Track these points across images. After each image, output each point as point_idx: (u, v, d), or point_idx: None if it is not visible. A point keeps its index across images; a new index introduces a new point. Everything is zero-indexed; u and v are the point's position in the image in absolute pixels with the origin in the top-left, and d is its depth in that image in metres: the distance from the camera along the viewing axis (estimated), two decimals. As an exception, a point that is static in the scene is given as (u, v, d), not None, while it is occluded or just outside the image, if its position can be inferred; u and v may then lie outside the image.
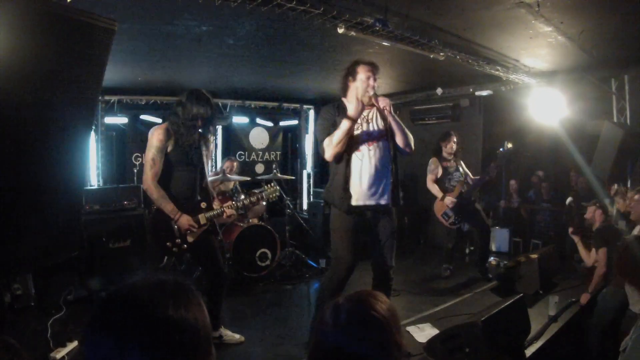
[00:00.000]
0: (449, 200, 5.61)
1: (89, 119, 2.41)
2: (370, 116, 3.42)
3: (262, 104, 8.32)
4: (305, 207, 9.01)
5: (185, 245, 3.54)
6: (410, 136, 3.47)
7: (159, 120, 6.69)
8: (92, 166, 6.66)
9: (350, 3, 3.34)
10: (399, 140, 3.40)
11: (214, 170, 7.31)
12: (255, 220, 6.19)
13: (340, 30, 3.50)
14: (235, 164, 6.42)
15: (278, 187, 4.26)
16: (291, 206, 6.95)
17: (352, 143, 3.29)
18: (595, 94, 6.12)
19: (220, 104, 7.74)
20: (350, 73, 3.41)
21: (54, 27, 1.98)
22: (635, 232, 4.14)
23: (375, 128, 3.40)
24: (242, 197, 3.96)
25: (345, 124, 3.18)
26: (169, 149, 3.45)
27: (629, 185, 5.26)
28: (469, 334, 2.75)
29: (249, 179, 6.49)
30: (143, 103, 7.01)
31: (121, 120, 6.96)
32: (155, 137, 3.42)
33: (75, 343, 3.69)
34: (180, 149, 3.49)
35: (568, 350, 3.95)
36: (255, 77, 6.41)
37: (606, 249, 4.20)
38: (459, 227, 5.81)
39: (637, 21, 3.84)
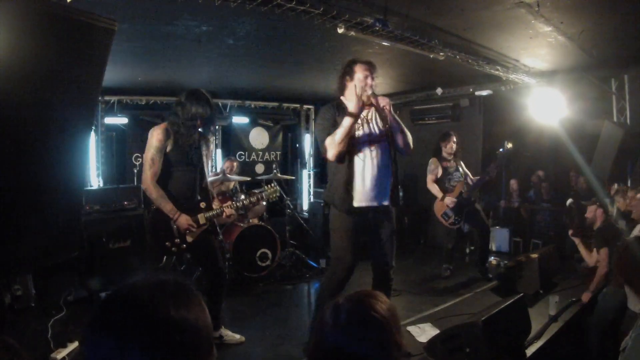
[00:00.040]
0: (449, 200, 5.61)
1: (89, 119, 2.41)
2: (369, 117, 3.40)
3: (262, 104, 8.33)
4: (305, 207, 9.01)
5: (184, 245, 3.54)
6: (410, 136, 3.47)
7: (159, 121, 6.70)
8: (92, 166, 6.67)
9: (350, 3, 3.34)
10: (398, 140, 3.40)
11: (214, 170, 7.32)
12: (256, 221, 6.19)
13: (340, 30, 3.50)
14: (235, 164, 6.42)
15: (278, 187, 4.26)
16: (291, 206, 6.95)
17: (353, 144, 3.28)
18: (595, 93, 6.12)
19: (220, 104, 7.75)
20: (348, 72, 3.38)
21: (54, 28, 1.98)
22: (635, 231, 4.14)
23: (376, 129, 3.39)
24: (242, 197, 3.96)
25: (347, 121, 3.16)
26: (168, 148, 3.45)
27: (629, 185, 5.26)
28: (469, 334, 2.75)
29: (249, 179, 6.50)
30: (143, 103, 7.01)
31: (121, 120, 6.96)
32: (154, 137, 3.42)
33: (75, 343, 3.68)
34: (180, 149, 3.49)
35: (568, 350, 3.94)
36: (255, 77, 6.41)
37: (608, 249, 4.20)
38: (459, 228, 5.81)
39: (637, 21, 3.85)
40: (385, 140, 3.39)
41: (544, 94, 5.85)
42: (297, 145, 9.24)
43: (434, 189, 5.76)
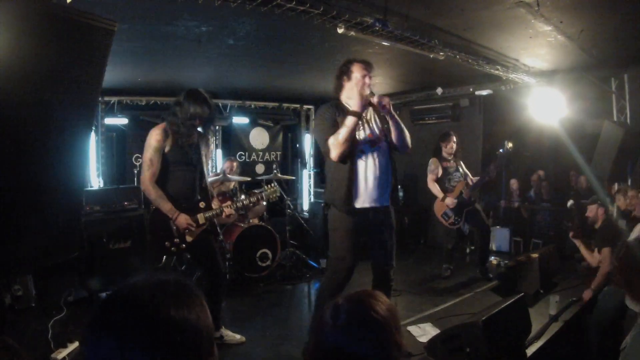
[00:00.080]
0: (450, 201, 5.62)
1: (89, 119, 2.41)
2: (368, 117, 3.39)
3: (262, 104, 8.33)
4: (305, 207, 9.02)
5: (183, 245, 3.54)
6: (408, 134, 3.45)
7: (159, 121, 6.69)
8: (92, 167, 6.67)
9: (350, 3, 3.34)
10: (398, 139, 3.38)
11: (214, 171, 7.32)
12: (256, 221, 6.19)
13: (340, 30, 3.50)
14: (235, 164, 6.42)
15: (278, 187, 4.26)
16: (291, 206, 6.95)
17: (353, 144, 3.25)
18: (595, 93, 6.12)
19: (220, 105, 7.75)
20: (345, 72, 3.35)
21: (54, 28, 1.98)
22: (635, 231, 4.14)
23: (375, 129, 3.38)
24: (242, 197, 3.96)
25: (350, 120, 3.13)
26: (167, 149, 3.45)
27: (629, 184, 5.26)
28: (470, 334, 2.75)
29: (249, 179, 6.50)
30: (143, 104, 7.02)
31: (121, 121, 6.96)
32: (152, 138, 3.42)
33: (75, 344, 3.69)
34: (179, 149, 3.49)
35: (569, 349, 3.94)
36: (255, 77, 6.42)
37: (609, 248, 4.21)
38: (459, 228, 5.81)
39: (637, 21, 3.85)
40: (384, 140, 3.38)
41: (544, 93, 5.85)
42: (297, 145, 9.24)
43: (435, 188, 5.76)
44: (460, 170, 5.86)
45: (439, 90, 7.18)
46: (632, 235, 4.13)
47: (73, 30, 2.04)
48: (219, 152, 8.12)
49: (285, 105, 8.58)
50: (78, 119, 2.28)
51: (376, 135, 3.35)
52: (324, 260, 6.25)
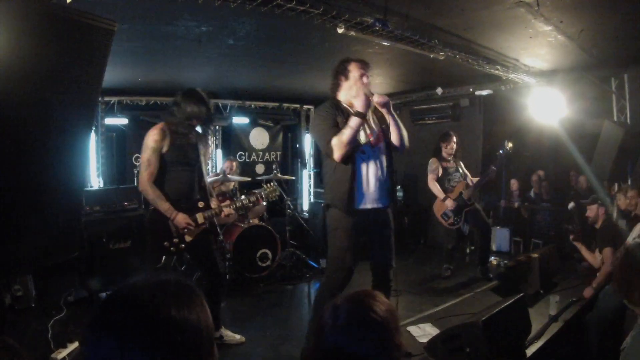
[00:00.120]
0: (450, 203, 5.62)
1: (89, 119, 2.41)
2: (367, 117, 3.34)
3: (262, 104, 8.33)
4: (305, 207, 9.02)
5: (182, 245, 3.53)
6: (406, 133, 3.45)
7: (159, 121, 6.69)
8: (92, 167, 6.67)
9: (350, 3, 3.34)
10: (397, 138, 3.37)
11: (214, 171, 7.32)
12: (256, 221, 6.19)
13: (340, 30, 3.50)
14: (234, 163, 6.42)
15: (278, 187, 4.25)
16: (291, 206, 6.95)
17: (355, 145, 3.22)
18: (595, 93, 6.12)
19: (220, 105, 7.76)
20: (342, 71, 3.32)
21: (54, 28, 1.98)
22: (635, 230, 4.14)
23: (375, 129, 3.36)
24: (242, 197, 3.96)
25: (354, 121, 3.10)
26: (165, 149, 3.44)
27: (629, 184, 5.26)
28: (470, 334, 2.75)
29: (249, 179, 6.50)
30: (143, 104, 7.02)
31: (121, 121, 6.96)
32: (150, 138, 3.42)
33: (75, 344, 3.69)
34: (177, 149, 3.49)
35: (568, 350, 3.94)
36: (255, 77, 6.41)
37: (611, 248, 4.21)
38: (459, 228, 5.80)
39: (637, 21, 3.84)
40: (383, 140, 3.37)
41: (544, 93, 5.85)
42: (298, 145, 9.24)
43: (435, 188, 5.75)
44: (460, 170, 5.86)
45: (439, 90, 7.18)
46: (632, 235, 4.13)
47: (73, 30, 2.04)
48: (219, 152, 8.12)
49: (285, 105, 8.58)
50: (78, 119, 2.28)
51: (375, 135, 3.33)
52: (324, 260, 6.24)
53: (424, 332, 3.99)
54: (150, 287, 0.93)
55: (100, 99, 6.47)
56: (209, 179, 5.84)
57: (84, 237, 4.70)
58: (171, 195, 3.48)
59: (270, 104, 8.43)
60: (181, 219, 3.44)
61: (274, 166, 6.76)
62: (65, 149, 2.27)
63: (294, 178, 8.51)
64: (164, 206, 3.41)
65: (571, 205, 6.44)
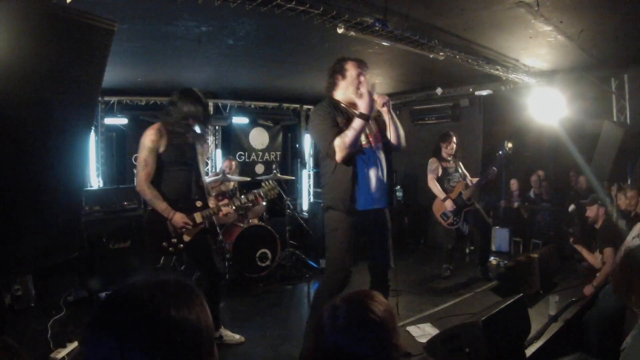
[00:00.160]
0: (449, 204, 5.62)
1: (88, 119, 2.41)
2: (357, 114, 3.27)
3: (262, 104, 8.33)
4: (305, 207, 9.02)
5: (181, 245, 3.51)
6: (403, 132, 3.42)
7: (159, 121, 6.70)
8: (92, 167, 6.67)
9: (349, 3, 3.33)
10: (395, 137, 3.34)
11: (214, 170, 7.32)
12: (256, 221, 6.19)
13: (340, 31, 3.49)
14: (234, 163, 6.40)
15: (276, 185, 4.21)
16: (291, 206, 6.95)
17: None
18: (595, 93, 6.13)
19: (220, 104, 7.76)
20: (339, 71, 3.27)
21: (54, 28, 1.98)
22: (634, 230, 4.15)
23: (373, 128, 3.33)
24: (241, 196, 3.95)
25: (359, 123, 3.03)
26: (162, 149, 3.43)
27: (629, 184, 5.26)
28: (469, 334, 2.75)
29: (249, 179, 6.49)
30: (143, 104, 7.02)
31: (121, 121, 6.96)
32: (147, 138, 3.41)
33: (75, 344, 3.69)
34: (174, 148, 3.47)
35: (568, 350, 3.94)
36: (255, 77, 6.41)
37: (612, 248, 4.22)
38: (458, 228, 5.81)
39: (637, 21, 3.85)
40: (381, 140, 3.34)
41: (544, 93, 5.85)
42: (297, 145, 9.23)
43: (436, 188, 5.75)
44: (460, 170, 5.86)
45: (439, 91, 7.18)
46: (631, 235, 4.14)
47: (73, 30, 2.04)
48: (219, 152, 8.12)
49: (285, 105, 8.58)
50: (78, 119, 2.28)
51: (375, 134, 3.31)
52: (323, 261, 6.23)
53: (423, 332, 3.99)
54: (150, 287, 0.93)
55: (100, 98, 6.47)
56: (208, 179, 5.85)
57: (84, 237, 4.70)
58: (169, 195, 3.46)
59: (270, 104, 8.43)
60: (179, 218, 3.43)
61: (274, 166, 6.75)
62: (65, 149, 2.27)
63: (293, 178, 8.50)
64: (162, 206, 3.40)
65: (571, 207, 6.45)
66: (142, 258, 5.04)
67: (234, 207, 3.89)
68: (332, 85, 3.33)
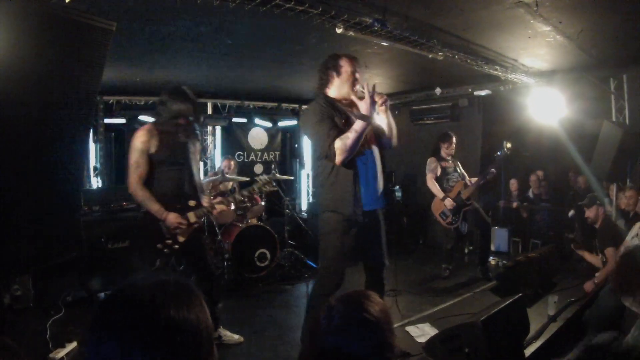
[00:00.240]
0: (449, 202, 5.62)
1: (87, 119, 2.41)
2: (358, 116, 3.17)
3: (261, 104, 8.32)
4: (304, 207, 9.02)
5: (176, 246, 3.47)
6: (396, 131, 3.37)
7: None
8: (91, 167, 6.66)
9: (348, 3, 3.33)
10: (390, 137, 3.31)
11: (213, 170, 7.31)
12: (254, 221, 6.19)
13: (339, 31, 3.49)
14: (232, 162, 6.40)
15: (267, 177, 4.15)
16: (290, 206, 6.95)
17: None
18: (594, 93, 6.13)
19: (219, 104, 7.75)
20: (333, 67, 3.18)
21: (53, 28, 1.98)
22: (634, 230, 4.15)
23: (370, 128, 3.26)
24: (235, 194, 3.92)
25: (360, 125, 2.94)
26: (153, 149, 3.39)
27: (628, 184, 5.27)
28: (469, 334, 2.75)
29: (247, 179, 6.49)
30: (142, 103, 7.00)
31: (120, 120, 6.96)
32: (137, 140, 3.36)
33: (74, 344, 3.68)
34: (166, 148, 3.43)
35: (567, 349, 3.94)
36: (254, 77, 6.41)
37: (613, 248, 4.23)
38: (457, 228, 5.81)
39: (636, 21, 3.85)
40: (378, 140, 3.30)
41: (543, 93, 5.85)
42: (296, 145, 9.24)
43: (435, 187, 5.76)
44: (458, 170, 5.87)
45: (438, 91, 7.18)
46: (631, 234, 4.15)
47: (72, 30, 2.04)
48: (218, 152, 8.12)
49: (284, 105, 8.58)
50: (77, 118, 2.28)
51: (370, 135, 3.24)
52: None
53: (422, 332, 4.00)
54: (150, 287, 0.93)
55: (99, 98, 6.47)
56: (207, 179, 5.86)
57: (83, 237, 4.68)
58: (162, 195, 3.42)
59: (269, 104, 8.42)
60: (172, 218, 3.38)
61: (273, 166, 6.74)
62: (64, 149, 2.27)
63: (292, 178, 8.51)
64: (155, 207, 3.36)
65: (571, 213, 6.46)
66: (141, 258, 5.04)
67: (227, 204, 3.85)
68: (326, 82, 3.23)
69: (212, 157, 8.10)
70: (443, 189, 5.74)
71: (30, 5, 1.90)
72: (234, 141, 8.19)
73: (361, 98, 3.06)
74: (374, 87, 3.05)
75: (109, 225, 4.98)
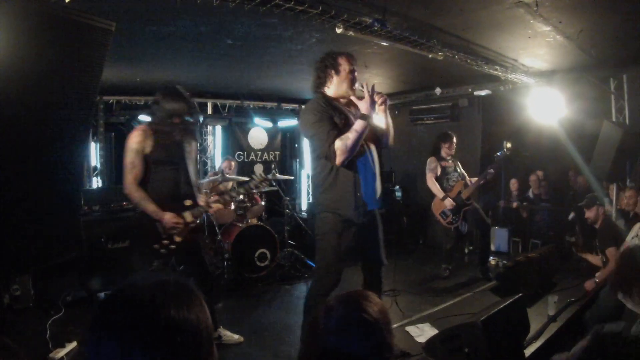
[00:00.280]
0: (449, 202, 5.63)
1: (87, 119, 2.41)
2: (359, 116, 3.14)
3: (261, 104, 8.32)
4: (304, 207, 9.02)
5: (173, 246, 3.46)
6: (392, 130, 3.36)
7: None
8: (91, 167, 6.67)
9: (348, 3, 3.33)
10: (387, 135, 3.29)
11: (213, 170, 7.32)
12: (254, 221, 6.19)
13: (339, 30, 3.48)
14: (232, 163, 6.40)
15: (262, 174, 4.15)
16: (290, 206, 6.95)
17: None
18: (594, 93, 6.13)
19: (219, 104, 7.76)
20: (332, 65, 3.14)
21: (53, 28, 1.98)
22: (633, 230, 4.15)
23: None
24: (232, 192, 3.91)
25: (360, 125, 2.93)
26: (148, 150, 3.37)
27: (627, 184, 5.27)
28: (469, 334, 2.75)
29: (247, 179, 6.48)
30: (142, 103, 7.01)
31: (120, 120, 6.96)
32: (132, 140, 3.35)
33: (74, 344, 3.68)
34: (161, 149, 3.42)
35: (567, 349, 3.94)
36: (253, 77, 6.41)
37: (614, 248, 4.23)
38: (457, 227, 5.81)
39: (636, 21, 3.85)
40: (374, 139, 3.27)
41: (543, 93, 5.85)
42: (296, 145, 9.24)
43: (435, 187, 5.76)
44: (458, 170, 5.87)
45: (438, 91, 7.18)
46: (631, 234, 4.15)
47: (71, 30, 2.04)
48: (218, 152, 8.12)
49: (284, 105, 8.58)
50: (77, 118, 2.28)
51: (368, 135, 3.17)
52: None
53: (422, 332, 4.00)
54: (150, 287, 0.93)
55: (99, 98, 6.47)
56: (207, 179, 5.86)
57: (83, 237, 4.68)
58: (158, 195, 3.40)
59: (269, 104, 8.42)
60: (168, 217, 3.37)
61: (273, 166, 6.74)
62: (64, 149, 2.27)
63: (292, 178, 8.51)
64: (150, 208, 3.34)
65: (571, 216, 6.47)
66: (141, 258, 5.04)
67: (223, 203, 3.84)
68: (324, 81, 3.20)
69: (212, 157, 8.10)
70: (443, 189, 5.74)
71: (30, 5, 1.90)
72: (234, 141, 8.19)
73: (360, 97, 3.05)
74: (373, 86, 3.04)
75: (109, 225, 4.98)
